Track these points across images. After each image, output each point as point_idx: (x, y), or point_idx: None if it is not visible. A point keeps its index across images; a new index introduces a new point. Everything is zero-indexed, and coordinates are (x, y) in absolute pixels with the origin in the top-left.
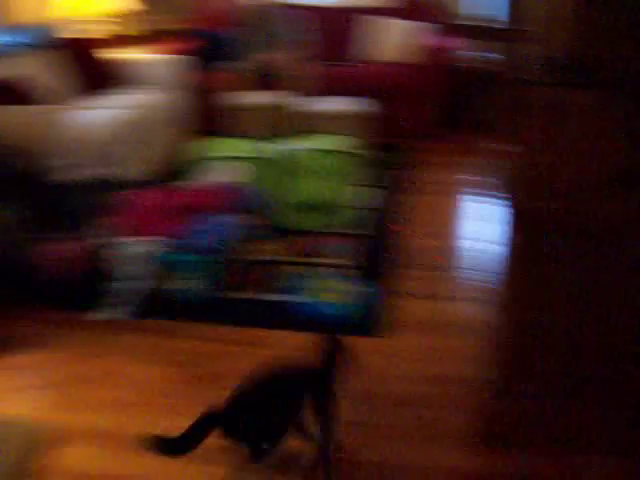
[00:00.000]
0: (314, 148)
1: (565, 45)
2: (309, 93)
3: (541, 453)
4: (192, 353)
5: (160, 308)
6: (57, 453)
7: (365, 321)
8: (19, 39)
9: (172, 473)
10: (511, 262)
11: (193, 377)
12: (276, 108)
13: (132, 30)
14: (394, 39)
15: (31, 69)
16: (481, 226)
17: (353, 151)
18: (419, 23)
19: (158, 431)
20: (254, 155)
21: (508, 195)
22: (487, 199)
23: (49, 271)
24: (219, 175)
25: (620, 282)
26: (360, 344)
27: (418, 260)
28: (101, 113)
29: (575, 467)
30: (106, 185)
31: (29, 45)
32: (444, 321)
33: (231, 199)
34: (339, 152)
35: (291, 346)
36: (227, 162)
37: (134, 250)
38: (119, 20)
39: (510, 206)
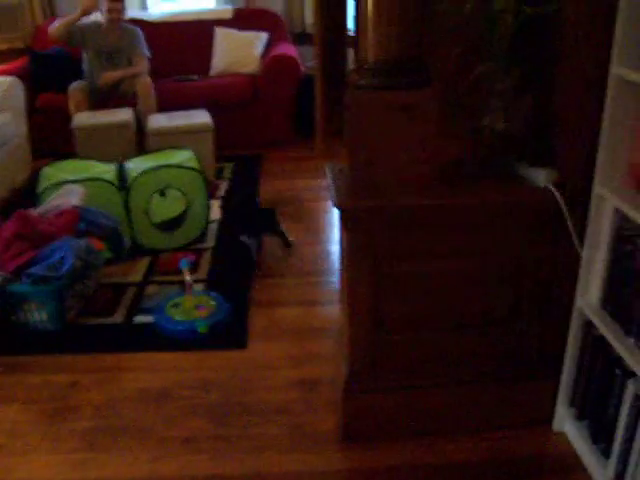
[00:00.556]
0: (163, 164)
1: (388, 49)
2: (153, 109)
3: (404, 443)
4: (48, 387)
5: (8, 343)
6: None
7: (229, 334)
8: None
9: None
10: (342, 260)
11: (52, 412)
12: (121, 127)
13: None
14: (243, 50)
15: None
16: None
17: (202, 165)
18: (265, 33)
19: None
20: (104, 176)
21: (333, 195)
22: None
23: None
24: (66, 199)
25: (449, 269)
26: (225, 357)
27: (281, 268)
28: None
29: (442, 451)
30: None
31: None
32: (306, 326)
33: (79, 223)
34: (188, 167)
35: (156, 367)
36: (74, 185)
37: None
38: None
39: (335, 206)
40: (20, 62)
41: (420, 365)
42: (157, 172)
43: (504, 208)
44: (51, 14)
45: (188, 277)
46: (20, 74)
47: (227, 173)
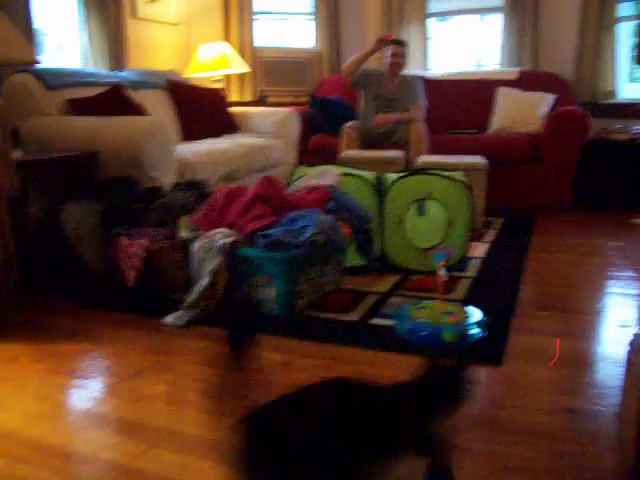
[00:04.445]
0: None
1: None
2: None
3: None
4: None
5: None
6: None
7: (485, 348)
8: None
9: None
10: None
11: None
12: (389, 162)
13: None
14: (526, 110)
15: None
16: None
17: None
18: (551, 95)
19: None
20: (364, 176)
21: None
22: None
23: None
24: (321, 179)
25: None
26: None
27: (539, 301)
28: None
29: None
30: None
31: (152, 84)
32: (568, 356)
33: (329, 202)
34: (454, 180)
35: (391, 365)
36: (330, 167)
37: (211, 244)
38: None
39: None
40: (301, 108)
41: None
42: (416, 178)
43: None
44: (338, 70)
45: (442, 271)
46: (299, 115)
47: (495, 225)
